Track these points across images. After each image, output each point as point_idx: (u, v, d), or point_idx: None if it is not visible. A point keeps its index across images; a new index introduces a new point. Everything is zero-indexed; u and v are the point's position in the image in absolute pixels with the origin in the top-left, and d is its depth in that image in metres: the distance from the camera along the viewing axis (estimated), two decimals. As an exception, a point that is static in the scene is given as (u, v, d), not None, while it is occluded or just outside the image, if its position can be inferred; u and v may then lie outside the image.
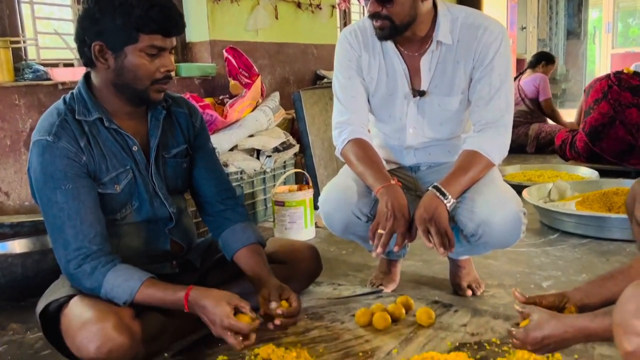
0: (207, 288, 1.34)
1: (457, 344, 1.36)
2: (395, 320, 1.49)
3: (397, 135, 1.78)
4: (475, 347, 1.35)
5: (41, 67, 2.42)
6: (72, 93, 1.42)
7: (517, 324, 1.17)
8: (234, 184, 2.65)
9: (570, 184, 2.94)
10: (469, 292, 1.90)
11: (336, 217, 1.70)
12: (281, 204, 2.63)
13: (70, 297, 1.34)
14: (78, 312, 1.28)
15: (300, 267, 1.66)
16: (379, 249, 1.54)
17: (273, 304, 1.37)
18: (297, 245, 1.74)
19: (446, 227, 1.52)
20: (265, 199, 3.03)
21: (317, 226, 2.79)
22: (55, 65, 2.61)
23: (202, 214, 1.62)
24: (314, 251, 1.71)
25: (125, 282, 1.31)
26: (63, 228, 1.32)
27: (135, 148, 1.44)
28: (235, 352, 1.38)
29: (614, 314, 0.83)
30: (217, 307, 1.27)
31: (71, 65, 2.66)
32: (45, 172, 1.33)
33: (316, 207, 1.84)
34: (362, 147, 1.71)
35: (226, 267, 1.60)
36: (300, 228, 2.64)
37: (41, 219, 1.41)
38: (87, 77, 1.43)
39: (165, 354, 1.38)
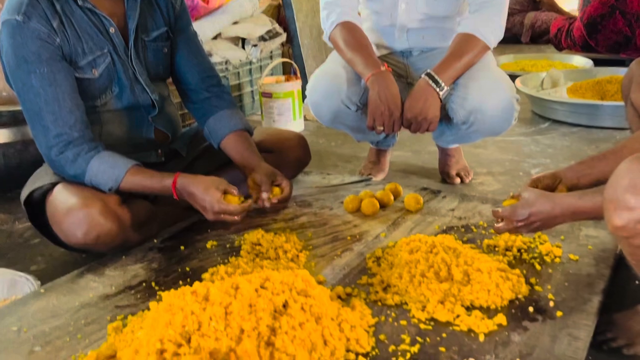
0: (194, 175, 1.31)
1: (445, 228, 1.37)
2: (383, 206, 1.50)
3: (389, 12, 1.69)
4: (463, 229, 1.36)
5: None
6: (40, -32, 1.31)
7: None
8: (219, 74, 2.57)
9: (563, 73, 2.88)
10: (458, 180, 1.91)
11: (325, 107, 1.65)
12: (268, 95, 2.57)
13: (53, 185, 1.32)
14: (62, 198, 1.27)
15: (289, 155, 1.63)
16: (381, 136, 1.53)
17: (264, 194, 1.37)
18: (285, 134, 1.70)
19: (434, 118, 1.51)
20: (252, 91, 2.96)
21: (305, 119, 2.75)
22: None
23: (187, 102, 1.57)
24: (302, 140, 1.68)
25: (110, 168, 1.28)
26: (41, 114, 1.27)
27: (112, 30, 1.36)
28: (225, 238, 1.38)
29: (606, 189, 0.82)
30: (206, 193, 1.26)
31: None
32: (17, 55, 1.26)
33: (305, 98, 1.79)
34: (351, 31, 1.64)
35: (213, 156, 1.58)
36: (288, 120, 2.60)
37: (20, 108, 1.35)
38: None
39: (155, 240, 1.38)
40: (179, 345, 0.85)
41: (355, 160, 2.18)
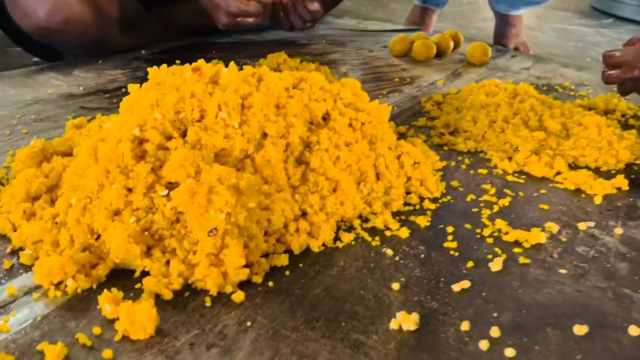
0: None
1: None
2: (439, 55, 1.18)
3: None
4: (545, 88, 1.05)
5: None
6: None
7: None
8: None
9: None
10: (515, 56, 1.58)
11: None
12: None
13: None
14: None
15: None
16: None
17: None
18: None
19: None
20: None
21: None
22: None
23: None
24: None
25: None
26: None
27: None
28: (234, 61, 1.06)
29: None
30: None
31: None
32: None
33: None
34: None
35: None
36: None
37: None
38: None
39: (143, 51, 1.06)
40: (169, 138, 0.55)
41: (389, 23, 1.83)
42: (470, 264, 0.54)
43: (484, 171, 0.72)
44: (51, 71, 0.92)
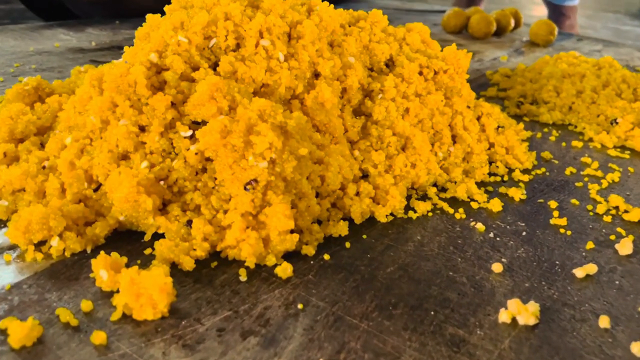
0: None
1: (595, 64, 0.93)
2: (498, 33, 1.04)
3: None
4: (625, 69, 0.91)
5: None
6: None
7: None
8: None
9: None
10: (570, 49, 1.45)
11: None
12: None
13: None
14: None
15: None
16: None
17: None
18: None
19: None
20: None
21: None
22: None
23: None
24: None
25: None
26: None
27: None
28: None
29: None
30: None
31: None
32: None
33: None
34: None
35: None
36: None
37: None
38: None
39: (167, 15, 0.95)
40: (195, 69, 0.43)
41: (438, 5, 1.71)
42: (589, 244, 0.40)
43: (578, 144, 0.58)
44: (61, 27, 0.81)
